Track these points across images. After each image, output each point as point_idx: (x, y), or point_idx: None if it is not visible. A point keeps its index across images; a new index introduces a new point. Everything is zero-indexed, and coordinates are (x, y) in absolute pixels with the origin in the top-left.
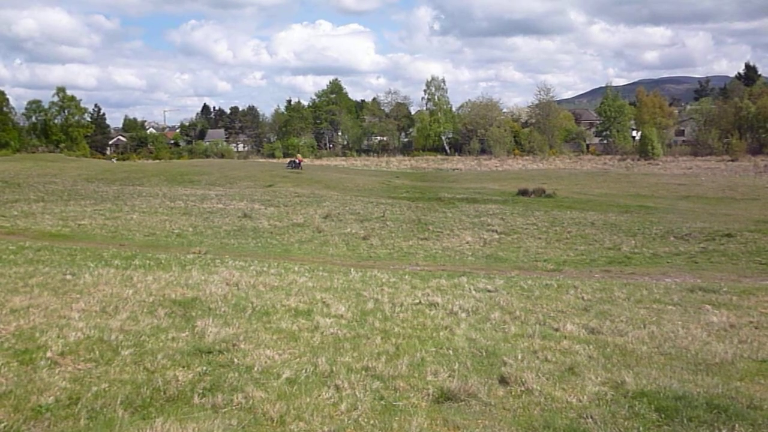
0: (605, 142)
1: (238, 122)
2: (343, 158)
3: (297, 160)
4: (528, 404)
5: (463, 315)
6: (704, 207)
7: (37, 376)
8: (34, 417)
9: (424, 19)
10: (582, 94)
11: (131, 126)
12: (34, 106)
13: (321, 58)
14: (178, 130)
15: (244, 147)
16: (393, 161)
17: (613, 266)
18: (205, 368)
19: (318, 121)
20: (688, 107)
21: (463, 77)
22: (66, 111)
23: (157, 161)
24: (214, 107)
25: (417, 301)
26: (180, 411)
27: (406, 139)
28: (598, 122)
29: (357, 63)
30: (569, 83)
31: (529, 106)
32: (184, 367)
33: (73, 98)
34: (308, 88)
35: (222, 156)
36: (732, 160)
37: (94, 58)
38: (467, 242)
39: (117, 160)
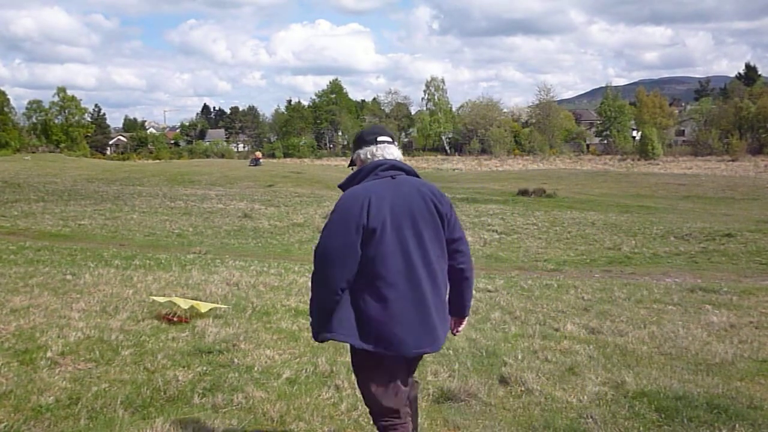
0: (605, 142)
1: (238, 122)
2: (344, 158)
3: (256, 158)
4: (528, 404)
5: None
6: (704, 207)
7: (37, 376)
8: (34, 417)
9: (423, 19)
10: (582, 94)
11: (131, 126)
12: (35, 106)
13: (321, 58)
14: (178, 130)
15: (244, 147)
16: None
17: (613, 266)
18: (205, 368)
19: (318, 121)
20: (689, 107)
21: (463, 77)
22: (66, 111)
23: (158, 161)
24: (214, 107)
25: None
26: (180, 411)
27: (406, 139)
28: (598, 122)
29: (357, 63)
30: (569, 83)
31: (529, 106)
32: (184, 367)
33: (73, 98)
34: (308, 88)
35: (222, 156)
36: (732, 160)
37: (93, 57)
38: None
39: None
